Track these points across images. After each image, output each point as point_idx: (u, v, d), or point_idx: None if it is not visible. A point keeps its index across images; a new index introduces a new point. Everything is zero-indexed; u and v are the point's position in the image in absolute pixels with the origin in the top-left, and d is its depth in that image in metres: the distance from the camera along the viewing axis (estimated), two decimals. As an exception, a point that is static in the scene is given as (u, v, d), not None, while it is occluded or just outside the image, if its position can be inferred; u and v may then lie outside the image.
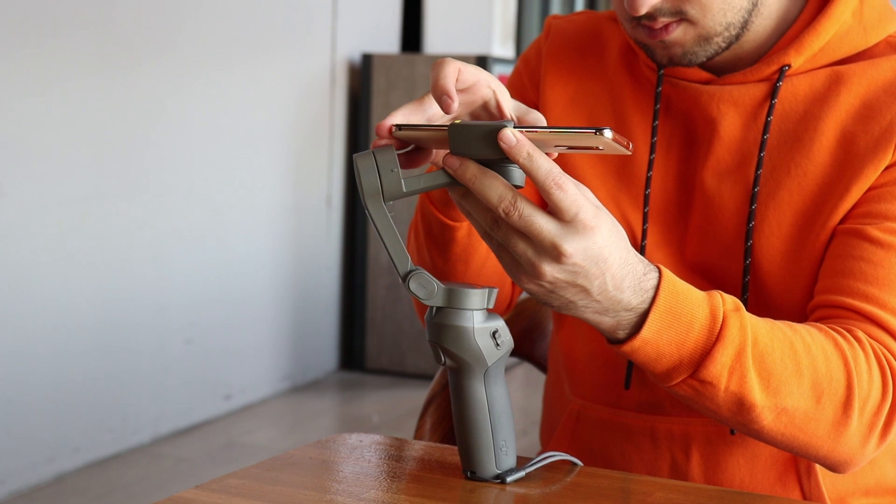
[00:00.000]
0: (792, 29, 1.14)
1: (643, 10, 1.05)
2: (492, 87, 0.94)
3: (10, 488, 3.05)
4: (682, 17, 1.07)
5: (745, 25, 1.10)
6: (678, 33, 1.08)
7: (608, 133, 0.83)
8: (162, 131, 3.55)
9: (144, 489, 3.18)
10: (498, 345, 0.91)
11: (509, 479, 0.94)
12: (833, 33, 1.12)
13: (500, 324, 0.92)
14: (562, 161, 1.21)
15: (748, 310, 1.13)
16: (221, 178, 3.85)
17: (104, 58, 3.28)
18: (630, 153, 0.89)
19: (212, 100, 3.76)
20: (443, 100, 0.90)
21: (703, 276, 1.16)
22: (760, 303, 1.13)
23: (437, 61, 0.92)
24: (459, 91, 0.91)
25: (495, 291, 0.92)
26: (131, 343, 3.47)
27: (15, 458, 3.07)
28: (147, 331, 3.54)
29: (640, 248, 1.16)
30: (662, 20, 1.07)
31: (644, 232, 1.16)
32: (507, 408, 0.94)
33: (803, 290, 1.12)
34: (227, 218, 3.90)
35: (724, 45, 1.11)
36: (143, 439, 3.54)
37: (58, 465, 3.21)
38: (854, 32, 1.13)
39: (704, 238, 1.15)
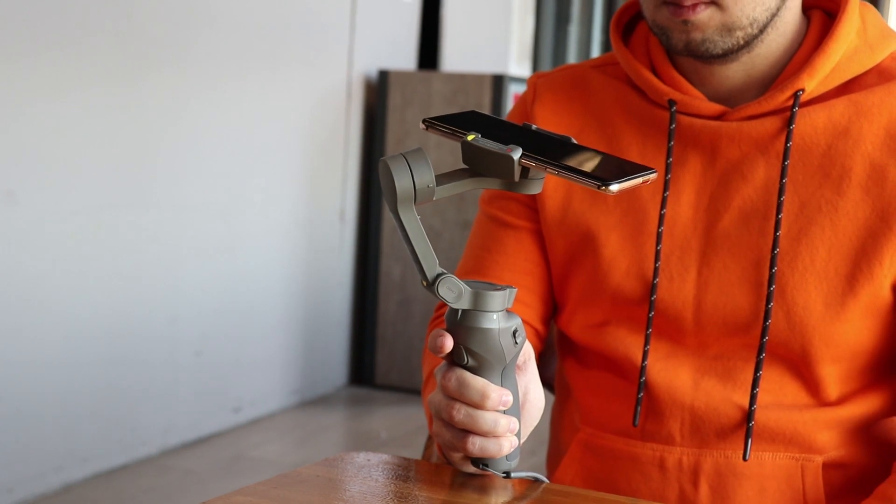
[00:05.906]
0: (800, 52, 1.16)
1: None
2: None
3: (18, 497, 3.05)
4: None
5: (765, 28, 1.12)
6: (704, 16, 1.09)
7: (614, 187, 0.84)
8: (176, 142, 3.56)
9: (152, 501, 3.18)
10: (516, 342, 0.94)
11: (514, 474, 0.98)
12: (842, 54, 1.13)
13: (518, 322, 0.94)
14: (576, 196, 1.21)
15: (769, 347, 1.11)
16: (235, 190, 3.86)
17: (119, 68, 3.30)
18: (652, 179, 0.89)
19: (227, 112, 3.77)
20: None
21: (723, 322, 1.15)
22: (788, 333, 1.11)
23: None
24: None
25: (514, 291, 0.93)
26: (141, 354, 3.48)
27: (23, 466, 3.08)
28: (157, 342, 3.54)
29: (651, 287, 1.16)
30: None
31: (655, 270, 1.16)
32: (518, 402, 0.97)
33: (858, 334, 1.11)
34: (240, 231, 3.90)
35: (742, 41, 1.11)
36: (151, 451, 3.54)
37: (65, 475, 3.21)
38: (861, 51, 1.14)
39: (724, 274, 1.14)
